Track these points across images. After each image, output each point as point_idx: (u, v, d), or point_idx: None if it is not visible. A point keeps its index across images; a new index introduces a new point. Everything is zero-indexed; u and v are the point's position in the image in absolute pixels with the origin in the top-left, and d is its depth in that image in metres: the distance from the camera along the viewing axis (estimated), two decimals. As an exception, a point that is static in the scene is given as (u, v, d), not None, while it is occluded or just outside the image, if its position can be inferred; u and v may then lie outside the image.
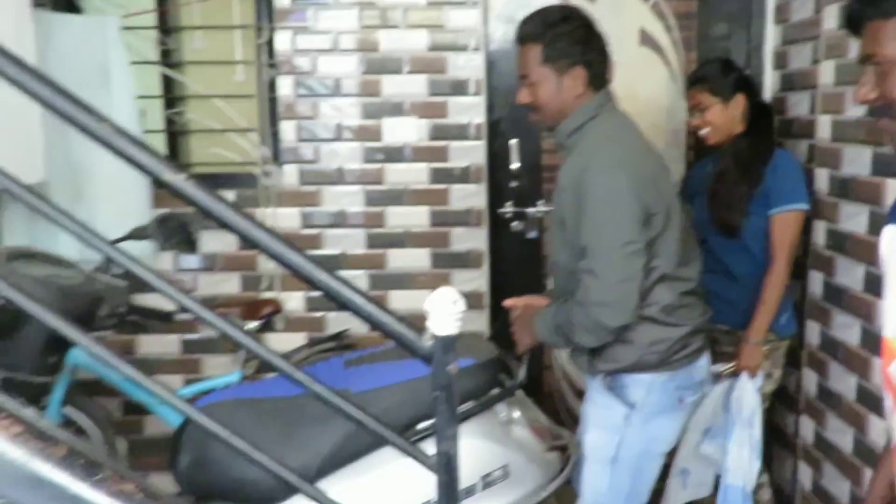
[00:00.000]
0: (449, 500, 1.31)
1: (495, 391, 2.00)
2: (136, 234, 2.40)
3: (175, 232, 2.45)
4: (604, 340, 1.89)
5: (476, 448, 1.84)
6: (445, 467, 1.30)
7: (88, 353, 1.39)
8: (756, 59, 3.03)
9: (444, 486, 1.30)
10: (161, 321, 2.57)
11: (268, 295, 3.04)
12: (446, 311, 1.25)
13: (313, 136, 3.00)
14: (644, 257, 1.84)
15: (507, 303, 2.17)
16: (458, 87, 2.98)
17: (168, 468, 3.02)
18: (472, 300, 3.07)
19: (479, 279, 3.08)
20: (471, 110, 3.00)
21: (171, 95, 3.08)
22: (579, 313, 1.86)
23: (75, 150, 2.58)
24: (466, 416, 1.85)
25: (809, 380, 2.66)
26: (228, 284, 3.06)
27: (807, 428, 2.67)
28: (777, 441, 2.95)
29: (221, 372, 2.99)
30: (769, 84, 2.99)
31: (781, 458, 2.93)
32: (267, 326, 2.90)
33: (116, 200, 2.65)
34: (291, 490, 1.69)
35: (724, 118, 2.49)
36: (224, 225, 1.29)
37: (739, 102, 2.50)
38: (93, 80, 2.58)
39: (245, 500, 1.83)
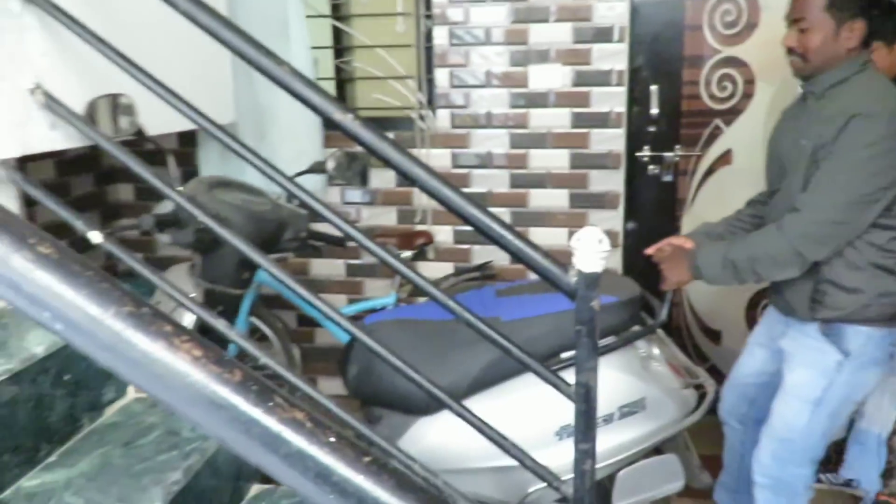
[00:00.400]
0: (586, 428, 1.24)
1: (636, 328, 1.92)
2: (316, 169, 2.44)
3: (351, 167, 2.47)
4: (789, 275, 1.75)
5: (615, 380, 1.80)
6: (584, 397, 1.23)
7: (269, 274, 1.42)
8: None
9: (583, 415, 1.24)
10: (335, 245, 2.60)
11: (421, 227, 3.04)
12: (592, 249, 1.16)
13: (464, 83, 2.91)
14: (874, 212, 1.68)
15: (651, 249, 2.06)
16: (602, 35, 2.79)
17: (334, 374, 3.15)
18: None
19: (614, 219, 2.93)
20: (613, 57, 2.80)
21: (340, 46, 3.07)
22: (777, 242, 1.72)
23: (260, 95, 2.64)
24: (607, 351, 1.79)
25: None
26: (387, 217, 3.08)
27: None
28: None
29: (379, 294, 3.05)
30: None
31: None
32: (419, 255, 2.91)
33: (294, 140, 2.70)
34: (444, 404, 1.74)
35: (888, 61, 2.07)
36: (386, 161, 1.26)
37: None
38: (274, 31, 2.61)
39: (404, 408, 1.86)
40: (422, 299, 2.76)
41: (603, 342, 1.74)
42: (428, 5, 2.89)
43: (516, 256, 1.24)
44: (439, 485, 1.31)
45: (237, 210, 2.00)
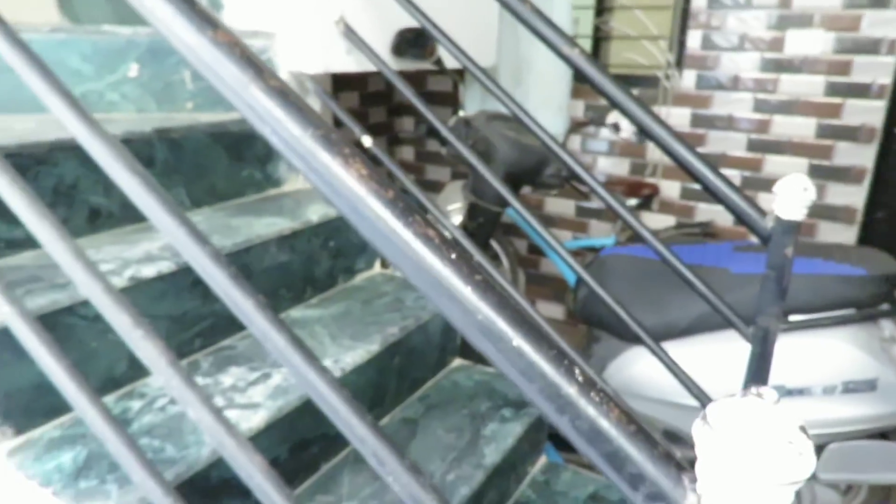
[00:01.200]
0: (759, 370, 1.13)
1: (884, 307, 1.64)
2: (596, 121, 2.41)
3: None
4: None
5: (844, 353, 1.59)
6: (762, 341, 1.12)
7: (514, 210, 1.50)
8: None
9: (757, 358, 1.13)
10: (586, 190, 2.55)
11: (650, 180, 2.89)
12: (794, 197, 1.02)
13: (716, 46, 2.65)
14: None
15: None
16: (878, 2, 2.34)
17: (552, 299, 3.20)
18: (843, 214, 2.54)
19: (855, 195, 2.51)
20: (887, 25, 2.34)
21: (601, 6, 2.96)
22: None
23: (521, 44, 2.66)
24: (841, 322, 1.59)
25: None
26: (621, 167, 2.98)
27: None
28: None
29: (601, 235, 2.99)
30: None
31: None
32: (645, 205, 2.78)
33: (545, 89, 2.69)
34: (663, 337, 1.68)
35: None
36: (601, 92, 1.21)
37: None
38: (542, -10, 2.59)
39: (620, 334, 1.81)
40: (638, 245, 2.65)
41: (836, 313, 1.59)
42: (692, -32, 2.65)
43: (715, 196, 1.13)
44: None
45: (506, 140, 2.03)
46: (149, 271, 1.05)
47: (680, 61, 2.75)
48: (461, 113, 2.23)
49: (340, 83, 3.03)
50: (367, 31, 1.57)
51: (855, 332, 1.61)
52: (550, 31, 1.21)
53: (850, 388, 1.60)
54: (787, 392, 1.60)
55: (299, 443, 1.08)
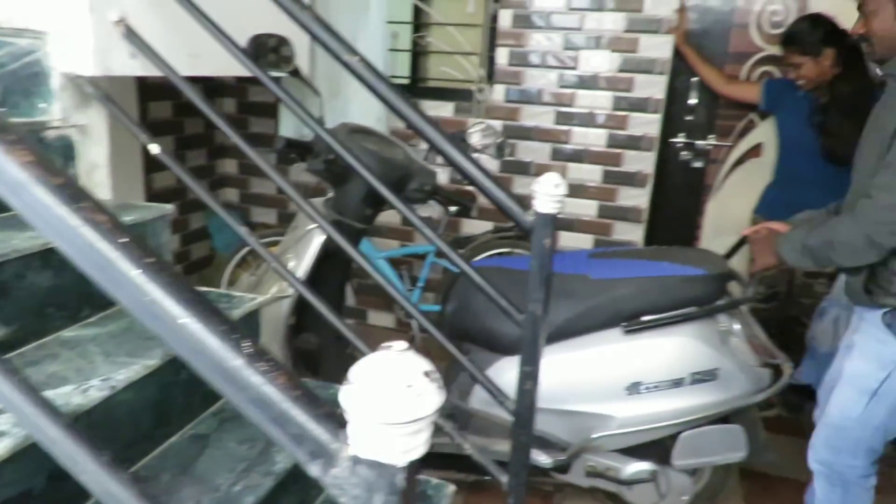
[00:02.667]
0: (530, 352, 1.23)
1: (721, 302, 1.79)
2: (455, 138, 2.43)
3: (491, 140, 2.45)
4: (865, 261, 1.48)
5: (691, 348, 1.73)
6: (530, 324, 1.22)
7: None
8: None
9: (528, 340, 1.23)
10: (462, 206, 2.56)
11: (469, 188, 3.04)
12: (548, 192, 1.13)
13: (520, 62, 2.86)
14: None
15: (747, 231, 1.86)
16: (651, 25, 2.66)
17: (384, 308, 3.19)
18: (632, 214, 2.85)
19: (641, 197, 2.83)
20: (660, 47, 2.67)
21: (419, 22, 3.08)
22: (850, 229, 1.47)
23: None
24: (686, 319, 1.72)
25: None
26: (442, 175, 3.10)
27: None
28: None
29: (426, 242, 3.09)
30: None
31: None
32: (463, 212, 2.91)
33: (362, 100, 2.74)
34: None
35: (816, 71, 2.25)
36: (382, 99, 1.26)
37: (828, 55, 2.21)
38: (356, 5, 2.65)
39: (489, 346, 1.83)
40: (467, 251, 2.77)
41: (683, 311, 1.72)
42: (496, -6, 2.85)
43: (485, 193, 1.22)
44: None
45: (368, 153, 1.94)
46: None
47: (491, 76, 2.94)
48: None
49: (151, 91, 2.86)
50: (160, 34, 1.50)
51: (698, 327, 1.74)
52: (329, 36, 1.24)
53: (697, 378, 1.72)
54: (643, 388, 1.72)
55: (57, 473, 1.01)
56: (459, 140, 2.42)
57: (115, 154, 1.64)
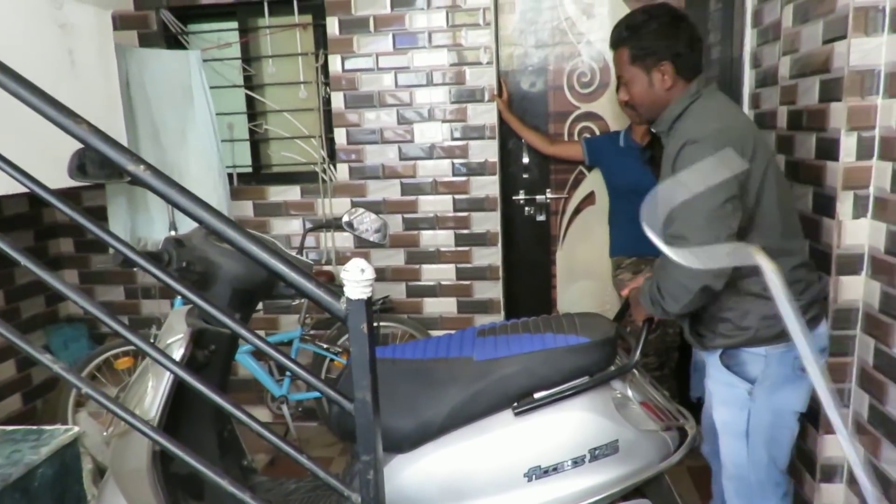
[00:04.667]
0: (366, 440, 1.20)
1: (611, 369, 1.68)
2: (331, 224, 2.40)
3: (369, 225, 2.39)
4: (689, 306, 1.52)
5: (587, 422, 1.61)
6: (362, 411, 1.20)
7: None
8: (737, 61, 2.72)
9: (363, 428, 1.21)
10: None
11: (326, 267, 3.02)
12: (355, 279, 1.13)
13: (359, 140, 2.93)
14: (732, 223, 1.46)
15: (625, 291, 1.87)
16: (476, 95, 2.83)
17: (258, 403, 3.05)
18: (489, 272, 2.94)
19: (494, 255, 2.93)
20: (486, 114, 2.84)
21: (253, 111, 3.08)
22: (665, 278, 1.53)
23: (168, 153, 2.62)
24: (577, 391, 1.61)
25: (860, 400, 1.96)
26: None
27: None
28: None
29: (291, 328, 3.01)
30: (748, 82, 2.67)
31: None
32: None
33: (200, 194, 2.64)
34: (420, 440, 1.61)
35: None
36: (177, 206, 1.23)
37: None
38: (180, 100, 2.61)
39: (388, 446, 1.60)
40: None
41: (574, 383, 1.61)
42: (326, 74, 2.92)
43: (294, 287, 1.21)
44: None
45: (229, 255, 1.76)
46: None
47: (333, 156, 2.98)
48: (172, 232, 1.94)
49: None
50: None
51: (590, 399, 1.62)
52: (111, 148, 1.20)
53: (597, 454, 1.60)
54: (542, 472, 1.58)
55: None
56: (348, 226, 2.38)
57: None
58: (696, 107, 1.59)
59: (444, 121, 2.86)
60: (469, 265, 2.95)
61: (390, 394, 1.61)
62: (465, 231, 2.93)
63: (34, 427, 1.42)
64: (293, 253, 2.05)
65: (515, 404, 1.61)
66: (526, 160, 2.94)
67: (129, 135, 2.31)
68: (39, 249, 3.13)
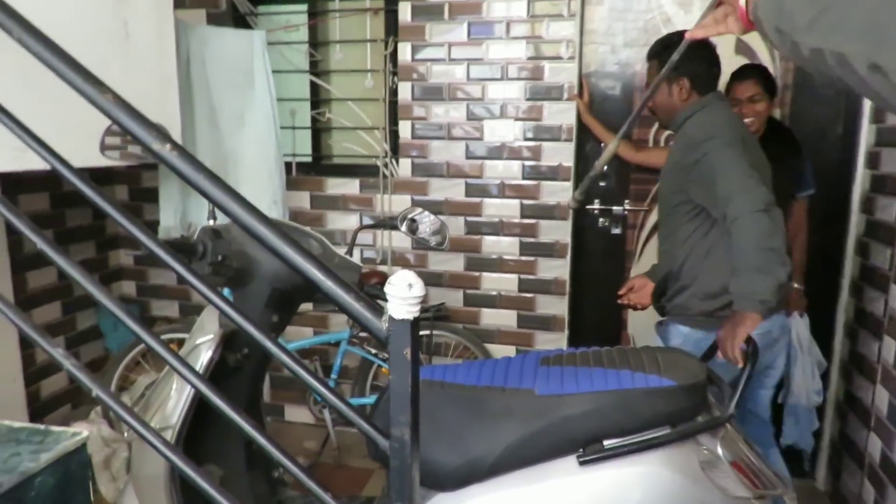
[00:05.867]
0: (401, 486, 1.01)
1: (700, 419, 1.41)
2: (386, 224, 2.26)
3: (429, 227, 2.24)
4: (772, 243, 1.59)
5: (665, 482, 1.35)
6: (398, 453, 1.00)
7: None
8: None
9: (397, 472, 1.01)
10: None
11: (382, 268, 2.86)
12: (401, 295, 0.94)
13: (425, 135, 2.75)
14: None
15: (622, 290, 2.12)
16: (554, 93, 2.61)
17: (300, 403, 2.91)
18: (554, 286, 2.71)
19: (562, 267, 2.70)
20: (563, 114, 2.61)
21: (317, 99, 2.95)
22: (749, 242, 1.60)
23: (224, 141, 2.52)
24: (658, 443, 1.34)
25: (881, 398, 2.04)
26: (355, 257, 2.91)
27: (875, 446, 2.05)
28: (847, 453, 2.34)
29: (341, 328, 2.87)
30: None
31: (851, 470, 2.30)
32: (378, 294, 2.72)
33: (255, 182, 2.56)
34: (467, 479, 1.40)
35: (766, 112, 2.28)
36: (206, 195, 1.07)
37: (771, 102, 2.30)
38: (241, 83, 2.50)
39: (430, 483, 1.46)
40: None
41: (652, 434, 1.35)
42: (394, 63, 2.76)
43: (331, 299, 1.03)
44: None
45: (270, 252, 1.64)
46: None
47: (395, 150, 2.82)
48: (210, 222, 1.84)
49: (23, 183, 2.60)
50: None
51: (673, 453, 1.37)
52: (136, 123, 1.05)
53: None
54: None
55: None
56: (404, 225, 2.20)
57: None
58: (704, 113, 1.87)
59: (516, 119, 2.64)
60: (533, 276, 2.72)
61: (436, 422, 1.40)
62: (532, 239, 2.70)
63: (41, 427, 1.30)
64: (342, 252, 1.87)
65: (581, 451, 1.36)
66: (604, 167, 2.68)
67: (184, 116, 2.20)
68: (100, 261, 3.14)
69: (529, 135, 2.65)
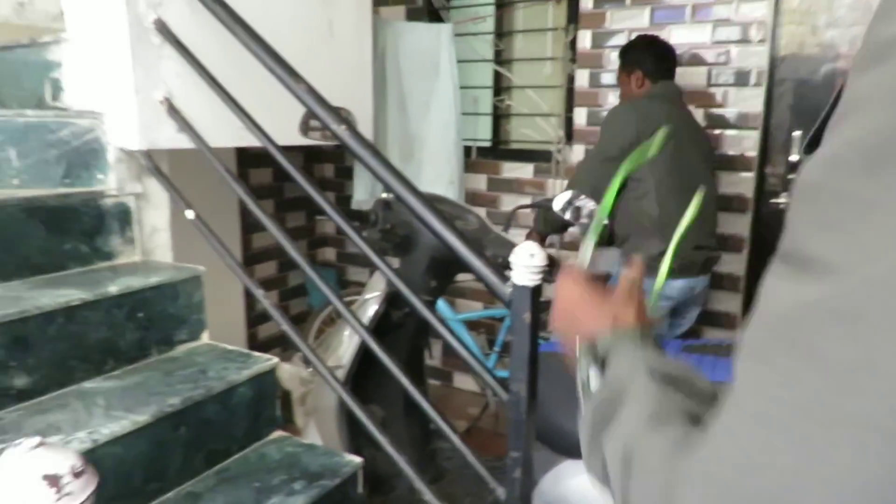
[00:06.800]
0: (517, 437, 1.13)
1: None
2: (542, 204, 2.35)
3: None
4: None
5: None
6: (515, 405, 1.12)
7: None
8: None
9: (514, 423, 1.13)
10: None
11: (550, 250, 2.94)
12: (523, 263, 1.06)
13: (599, 122, 2.76)
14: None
15: None
16: (741, 79, 2.47)
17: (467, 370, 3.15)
18: (727, 282, 2.59)
19: (737, 263, 2.56)
20: (749, 101, 2.46)
21: (498, 86, 3.10)
22: None
23: (410, 123, 2.77)
24: None
25: None
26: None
27: None
28: None
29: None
30: None
31: None
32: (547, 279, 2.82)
33: (436, 163, 2.78)
34: None
35: None
36: (370, 169, 1.26)
37: None
38: (428, 73, 2.73)
39: (553, 446, 1.59)
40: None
41: None
42: (573, 50, 2.81)
43: (462, 262, 1.17)
44: None
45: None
46: None
47: (570, 136, 2.87)
48: (383, 194, 2.10)
49: (252, 158, 3.12)
50: (206, 111, 1.63)
51: None
52: (320, 107, 1.28)
53: None
54: None
55: None
56: (559, 208, 2.28)
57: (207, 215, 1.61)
58: (631, 103, 2.21)
59: (697, 106, 2.55)
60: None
61: (571, 394, 1.51)
62: (705, 232, 2.60)
63: (245, 351, 1.62)
64: (498, 229, 2.00)
65: None
66: (794, 157, 2.49)
67: (377, 102, 2.48)
68: (309, 229, 3.62)
69: (711, 122, 2.54)
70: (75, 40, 1.65)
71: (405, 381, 1.35)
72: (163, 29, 1.55)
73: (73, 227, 1.54)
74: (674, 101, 2.22)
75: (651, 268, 1.45)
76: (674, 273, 2.06)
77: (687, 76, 2.55)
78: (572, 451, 1.51)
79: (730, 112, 2.50)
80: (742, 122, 2.49)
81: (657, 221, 2.09)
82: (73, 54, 1.66)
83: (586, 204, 2.31)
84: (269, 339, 3.42)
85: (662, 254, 1.61)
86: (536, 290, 1.09)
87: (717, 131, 2.53)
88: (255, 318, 3.33)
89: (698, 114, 2.56)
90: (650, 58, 2.25)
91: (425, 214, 1.19)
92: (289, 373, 3.14)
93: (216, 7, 1.42)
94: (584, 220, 2.27)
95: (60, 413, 1.23)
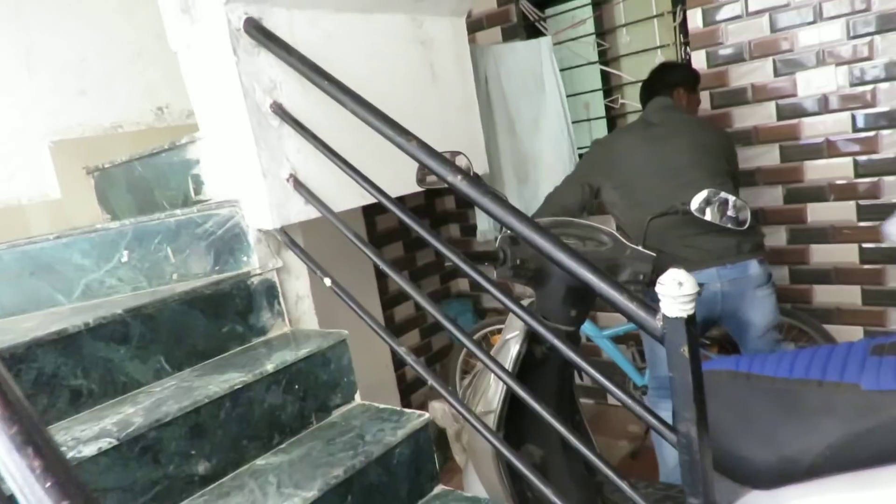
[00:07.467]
0: (692, 481, 1.03)
1: None
2: (670, 211, 2.15)
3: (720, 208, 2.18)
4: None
5: None
6: (686, 447, 1.02)
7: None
8: None
9: (687, 465, 1.03)
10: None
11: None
12: (671, 294, 0.97)
13: (723, 103, 2.56)
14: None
15: None
16: (890, 22, 2.17)
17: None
18: None
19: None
20: (904, 46, 2.16)
21: (608, 86, 2.97)
22: None
23: (523, 145, 2.72)
24: None
25: None
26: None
27: None
28: None
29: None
30: None
31: None
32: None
33: (552, 180, 2.70)
34: (782, 479, 1.33)
35: None
36: (490, 213, 1.23)
37: None
38: (532, 89, 2.67)
39: (733, 475, 1.41)
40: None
41: None
42: (685, 33, 2.62)
43: (607, 300, 1.09)
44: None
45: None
46: (89, 450, 1.18)
47: (695, 124, 2.67)
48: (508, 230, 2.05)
49: (377, 205, 3.22)
50: (329, 178, 1.70)
51: None
52: (436, 162, 1.27)
53: None
54: None
55: None
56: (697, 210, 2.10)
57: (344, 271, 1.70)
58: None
59: (839, 63, 2.27)
60: (878, 245, 2.31)
61: (744, 416, 1.35)
62: (872, 201, 2.30)
63: (397, 409, 1.64)
64: (634, 244, 1.88)
65: None
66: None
67: (486, 130, 2.46)
68: (439, 264, 3.67)
69: (859, 78, 2.25)
70: (207, 137, 1.79)
71: (558, 425, 1.29)
72: (279, 111, 1.64)
73: (227, 311, 1.65)
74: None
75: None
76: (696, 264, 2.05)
77: (823, 34, 2.29)
78: (755, 482, 1.37)
79: (880, 63, 2.20)
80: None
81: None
82: (208, 149, 1.80)
83: (728, 199, 2.13)
84: (416, 379, 3.49)
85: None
86: (690, 320, 0.99)
87: (867, 87, 2.23)
88: (401, 360, 3.41)
89: (841, 73, 2.28)
90: (649, 76, 2.33)
91: (554, 252, 1.13)
92: (441, 411, 3.19)
93: (323, 82, 1.47)
94: (729, 215, 2.09)
95: (240, 495, 1.30)
